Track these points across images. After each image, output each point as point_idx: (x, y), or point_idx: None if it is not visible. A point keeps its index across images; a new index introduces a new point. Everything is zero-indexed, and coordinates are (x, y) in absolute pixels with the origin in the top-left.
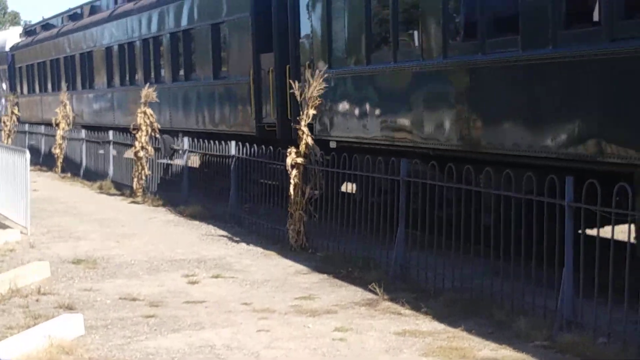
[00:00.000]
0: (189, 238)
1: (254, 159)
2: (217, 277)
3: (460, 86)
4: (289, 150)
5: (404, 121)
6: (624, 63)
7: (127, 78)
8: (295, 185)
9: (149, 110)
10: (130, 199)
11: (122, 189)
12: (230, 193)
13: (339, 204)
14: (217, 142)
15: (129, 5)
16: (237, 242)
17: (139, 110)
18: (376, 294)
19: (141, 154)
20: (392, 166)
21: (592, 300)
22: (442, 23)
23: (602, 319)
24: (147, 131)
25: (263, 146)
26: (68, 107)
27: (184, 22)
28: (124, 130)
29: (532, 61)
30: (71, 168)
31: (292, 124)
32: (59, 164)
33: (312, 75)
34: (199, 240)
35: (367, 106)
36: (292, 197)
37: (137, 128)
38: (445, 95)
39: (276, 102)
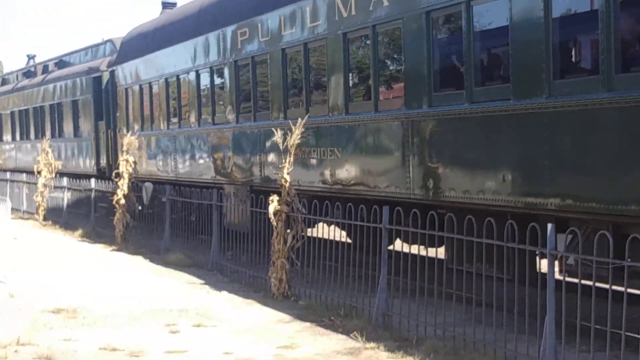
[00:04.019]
0: (170, 287)
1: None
2: (198, 326)
3: None
4: (271, 198)
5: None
6: None
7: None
8: (277, 233)
9: (130, 158)
10: (112, 247)
11: (103, 236)
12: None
13: (320, 251)
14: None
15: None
16: (219, 290)
17: (121, 158)
18: (358, 342)
19: (123, 201)
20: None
21: (574, 347)
22: None
23: None
24: (129, 178)
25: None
26: (50, 154)
27: (57, 98)
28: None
29: None
30: (52, 216)
31: (112, 167)
32: (40, 211)
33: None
34: (180, 288)
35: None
36: (275, 245)
37: (120, 175)
38: None
39: (106, 154)
